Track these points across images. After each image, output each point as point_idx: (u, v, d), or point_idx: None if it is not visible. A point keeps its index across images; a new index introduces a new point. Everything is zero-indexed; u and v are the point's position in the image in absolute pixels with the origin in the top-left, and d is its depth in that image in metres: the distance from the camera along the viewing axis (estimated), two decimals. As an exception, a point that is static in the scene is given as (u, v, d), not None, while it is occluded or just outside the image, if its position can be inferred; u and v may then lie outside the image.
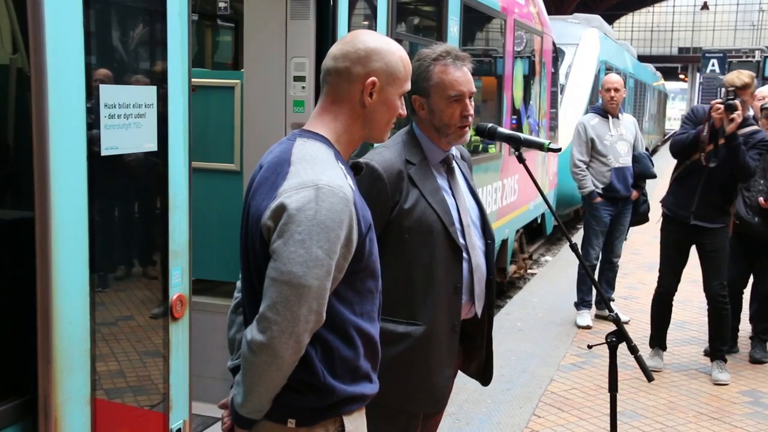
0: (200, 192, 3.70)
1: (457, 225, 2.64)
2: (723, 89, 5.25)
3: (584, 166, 6.67)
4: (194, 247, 2.91)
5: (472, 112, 2.64)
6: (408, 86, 2.13)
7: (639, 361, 2.80)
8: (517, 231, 8.59)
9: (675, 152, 5.43)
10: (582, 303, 6.83)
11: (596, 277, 6.91)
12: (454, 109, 2.60)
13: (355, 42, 2.05)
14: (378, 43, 2.06)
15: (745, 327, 6.22)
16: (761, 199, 5.58)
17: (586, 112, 7.28)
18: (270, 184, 1.93)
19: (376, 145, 2.86)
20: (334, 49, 2.07)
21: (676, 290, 5.69)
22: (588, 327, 6.67)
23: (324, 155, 1.96)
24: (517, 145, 2.79)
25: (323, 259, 1.84)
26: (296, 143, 1.99)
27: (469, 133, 2.68)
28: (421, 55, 2.64)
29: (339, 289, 1.95)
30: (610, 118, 6.68)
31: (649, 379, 2.82)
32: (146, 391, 2.70)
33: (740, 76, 5.21)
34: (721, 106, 5.05)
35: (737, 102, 5.03)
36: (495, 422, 4.71)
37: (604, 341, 2.86)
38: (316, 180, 1.87)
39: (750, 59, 22.58)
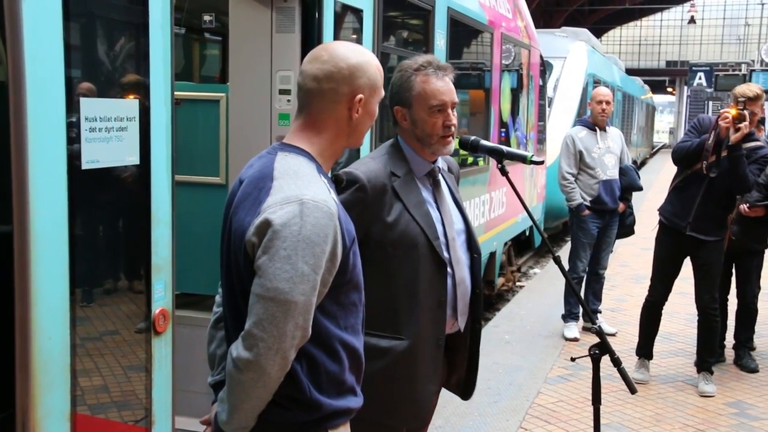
0: (185, 205, 3.69)
1: (442, 239, 2.63)
2: (733, 99, 5.21)
3: (572, 179, 6.68)
4: (179, 260, 2.89)
5: (455, 122, 2.63)
6: (382, 91, 2.13)
7: (622, 373, 2.80)
8: (506, 243, 8.60)
9: (677, 159, 5.40)
10: (569, 315, 6.84)
11: (583, 289, 6.93)
12: (436, 119, 2.59)
13: (335, 60, 2.02)
14: (357, 58, 2.04)
15: (731, 339, 6.24)
16: (744, 207, 5.60)
17: (574, 125, 7.30)
18: (253, 199, 1.91)
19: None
20: (314, 69, 2.02)
21: (666, 300, 5.69)
22: (575, 339, 6.67)
23: (307, 169, 1.95)
24: (500, 157, 2.79)
25: (309, 274, 1.83)
26: (277, 157, 1.97)
27: (453, 144, 2.67)
28: (402, 67, 2.63)
29: (323, 304, 1.94)
30: (597, 130, 6.71)
31: (632, 391, 2.83)
32: (129, 406, 2.68)
33: (751, 88, 5.21)
34: (729, 115, 5.01)
35: (746, 113, 5.03)
36: (482, 435, 4.70)
37: (587, 354, 2.87)
38: (300, 195, 1.86)
39: (736, 72, 22.77)
